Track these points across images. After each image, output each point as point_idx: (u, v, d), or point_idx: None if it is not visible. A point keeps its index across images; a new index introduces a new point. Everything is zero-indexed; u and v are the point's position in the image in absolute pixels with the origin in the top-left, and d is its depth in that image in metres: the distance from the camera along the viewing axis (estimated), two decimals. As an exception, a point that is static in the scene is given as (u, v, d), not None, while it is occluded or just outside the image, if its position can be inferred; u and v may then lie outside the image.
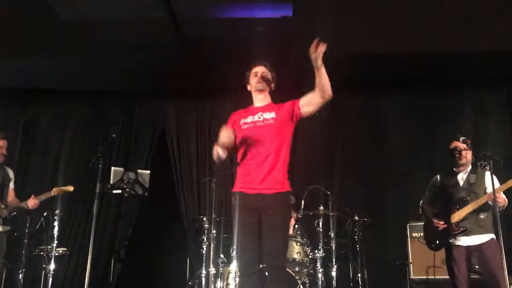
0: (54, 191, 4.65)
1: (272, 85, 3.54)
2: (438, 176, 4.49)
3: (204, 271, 5.17)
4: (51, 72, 6.42)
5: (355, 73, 6.28)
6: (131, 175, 5.84)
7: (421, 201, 4.56)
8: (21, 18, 5.04)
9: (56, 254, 5.20)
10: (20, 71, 6.33)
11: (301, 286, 4.74)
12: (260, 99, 3.49)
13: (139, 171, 5.93)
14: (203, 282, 5.12)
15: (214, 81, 6.39)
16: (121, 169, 5.85)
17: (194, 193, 6.49)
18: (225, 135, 3.20)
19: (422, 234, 5.36)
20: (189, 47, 5.59)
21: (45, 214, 5.10)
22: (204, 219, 5.44)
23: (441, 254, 5.16)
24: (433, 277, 5.22)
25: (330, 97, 3.41)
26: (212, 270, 5.07)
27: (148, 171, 5.99)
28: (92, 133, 6.83)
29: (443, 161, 6.00)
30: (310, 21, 4.92)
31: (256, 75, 3.49)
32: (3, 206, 4.44)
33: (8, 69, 6.28)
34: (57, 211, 5.17)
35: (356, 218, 5.36)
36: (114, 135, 5.40)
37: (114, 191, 5.80)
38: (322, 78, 3.31)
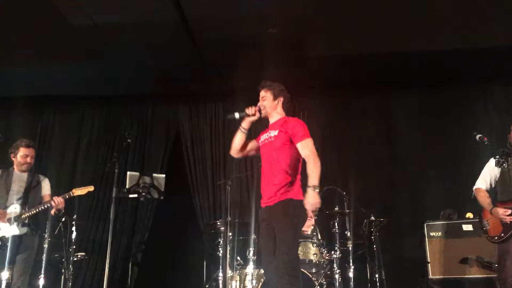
0: (73, 192, 4.67)
1: (277, 102, 3.71)
2: (493, 159, 4.07)
3: (221, 274, 5.18)
4: (64, 79, 6.49)
5: (367, 73, 6.27)
6: (147, 179, 5.86)
7: (474, 187, 4.22)
8: (34, 26, 5.10)
9: (75, 258, 5.26)
10: (34, 78, 6.41)
11: (318, 287, 4.73)
12: (271, 116, 3.75)
13: (155, 175, 5.96)
14: (220, 285, 5.13)
15: (228, 83, 6.41)
16: (137, 173, 5.87)
17: (209, 196, 6.50)
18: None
19: (439, 233, 5.33)
20: (201, 49, 5.62)
21: (63, 219, 5.14)
22: (220, 222, 5.45)
23: (460, 253, 5.14)
24: (452, 276, 5.17)
25: None
26: (229, 273, 5.08)
27: (164, 175, 6.01)
28: (107, 138, 6.90)
29: (458, 160, 5.98)
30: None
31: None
32: (23, 211, 4.50)
33: (23, 77, 6.36)
34: (74, 216, 5.23)
35: (372, 218, 5.33)
36: (129, 140, 5.43)
37: (130, 196, 5.83)
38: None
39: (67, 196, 4.60)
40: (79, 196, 4.76)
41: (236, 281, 5.07)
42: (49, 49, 5.59)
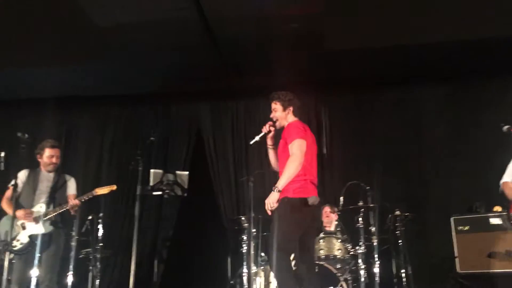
0: (97, 191, 4.75)
1: (287, 111, 3.92)
2: None
3: (245, 270, 5.19)
4: (87, 79, 6.58)
5: (391, 66, 6.18)
6: (170, 176, 5.90)
7: (501, 181, 4.27)
8: (58, 27, 5.18)
9: (102, 256, 5.34)
10: (59, 80, 6.52)
11: (343, 283, 4.70)
12: (284, 125, 3.95)
13: (178, 172, 6.00)
14: (245, 281, 5.14)
15: (248, 81, 6.41)
16: (160, 171, 5.92)
17: (232, 192, 6.52)
18: None
19: (467, 227, 5.24)
20: (221, 46, 5.63)
21: (90, 218, 5.24)
22: (243, 218, 5.47)
23: (489, 247, 5.04)
24: (480, 271, 5.08)
25: None
26: (253, 269, 5.09)
27: (187, 172, 6.05)
28: (130, 137, 6.98)
29: (485, 152, 5.85)
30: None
31: None
32: (49, 210, 4.59)
33: (47, 78, 6.48)
34: (101, 214, 5.32)
35: (398, 212, 5.26)
36: (152, 138, 5.48)
37: (154, 193, 5.89)
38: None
39: (90, 196, 4.68)
40: (104, 194, 4.83)
41: (261, 277, 5.08)
42: (71, 49, 5.66)
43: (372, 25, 5.19)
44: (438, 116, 6.34)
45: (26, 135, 4.42)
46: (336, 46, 5.55)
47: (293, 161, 3.61)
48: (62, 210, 4.57)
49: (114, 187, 4.85)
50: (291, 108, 3.93)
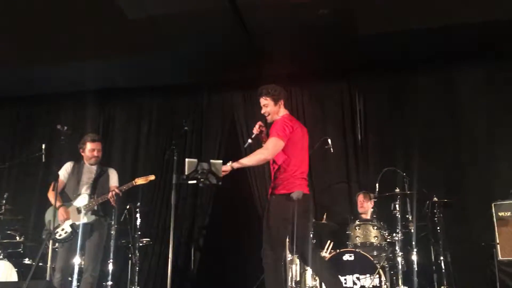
0: (136, 181, 4.85)
1: (278, 105, 3.92)
2: None
3: (281, 257, 5.19)
4: (123, 71, 6.71)
5: (427, 49, 6.01)
6: (205, 165, 5.93)
7: None
8: (93, 22, 5.29)
9: (140, 244, 5.47)
10: (95, 73, 6.65)
11: (380, 270, 4.66)
12: (275, 120, 3.94)
13: (212, 161, 6.00)
14: (281, 268, 5.15)
15: (280, 68, 6.37)
16: (195, 160, 5.96)
17: (266, 180, 6.52)
18: None
19: (509, 213, 5.09)
20: (253, 35, 5.61)
21: (128, 207, 5.35)
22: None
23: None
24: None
25: None
26: (289, 257, 5.09)
27: (221, 161, 6.06)
28: (165, 127, 7.07)
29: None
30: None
31: None
32: (91, 200, 4.72)
33: (85, 72, 6.62)
34: (138, 204, 5.42)
35: (435, 199, 5.15)
36: (186, 127, 5.53)
37: (189, 182, 5.94)
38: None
39: (130, 185, 4.78)
40: (142, 184, 4.93)
41: (296, 264, 5.10)
42: (106, 43, 5.76)
43: (406, 7, 5.05)
44: (476, 100, 6.12)
45: (65, 127, 4.54)
46: (369, 30, 5.44)
47: (260, 154, 3.73)
48: (104, 200, 4.69)
49: (153, 177, 4.95)
50: (282, 102, 3.92)
